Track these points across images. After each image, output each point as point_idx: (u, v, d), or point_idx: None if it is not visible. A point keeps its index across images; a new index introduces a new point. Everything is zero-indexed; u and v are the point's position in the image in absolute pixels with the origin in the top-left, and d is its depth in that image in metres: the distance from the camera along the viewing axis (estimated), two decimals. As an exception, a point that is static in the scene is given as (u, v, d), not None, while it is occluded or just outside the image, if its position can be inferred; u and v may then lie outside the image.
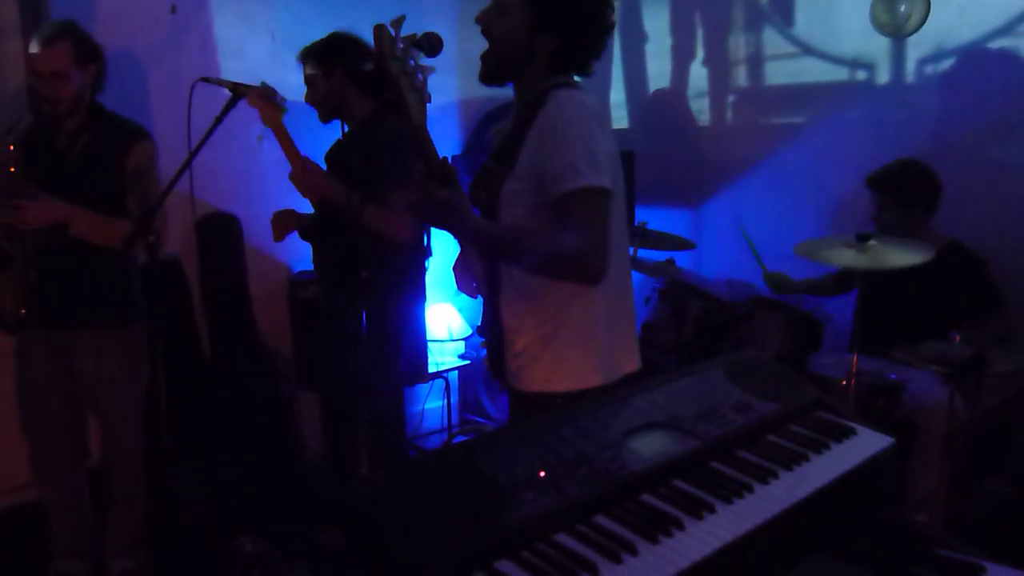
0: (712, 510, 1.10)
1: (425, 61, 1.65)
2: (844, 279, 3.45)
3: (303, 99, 2.94)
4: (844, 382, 2.69)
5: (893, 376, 2.82)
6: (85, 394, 2.83)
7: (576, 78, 1.87)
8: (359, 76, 2.86)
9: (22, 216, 2.55)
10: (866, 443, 1.37)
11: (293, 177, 2.75)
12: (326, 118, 2.93)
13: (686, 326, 3.19)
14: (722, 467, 1.21)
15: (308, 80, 2.90)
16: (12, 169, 2.59)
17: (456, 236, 1.85)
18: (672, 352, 3.22)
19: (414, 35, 1.64)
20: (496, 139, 1.96)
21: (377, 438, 2.42)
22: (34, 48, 2.61)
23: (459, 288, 2.06)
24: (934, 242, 2.90)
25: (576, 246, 1.63)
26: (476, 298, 2.02)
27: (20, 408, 2.84)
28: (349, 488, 0.99)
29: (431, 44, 1.71)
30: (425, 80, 1.63)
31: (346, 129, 2.91)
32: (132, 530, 2.97)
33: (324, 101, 2.89)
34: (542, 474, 1.06)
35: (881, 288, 3.06)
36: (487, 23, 1.84)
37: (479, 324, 1.98)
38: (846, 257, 2.75)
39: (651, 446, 1.19)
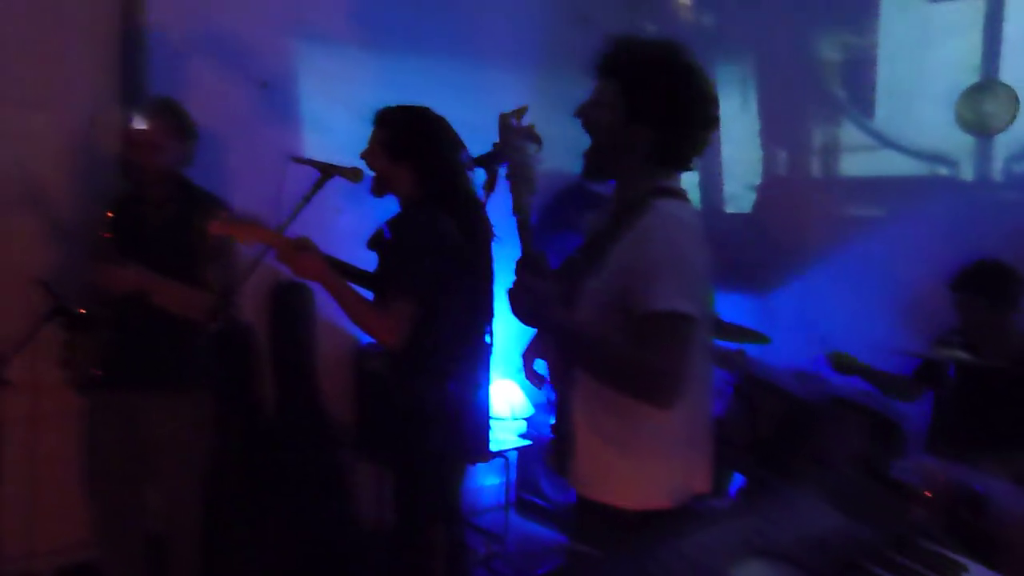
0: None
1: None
2: (919, 384, 3.32)
3: (359, 154, 2.74)
4: (927, 492, 2.58)
5: (979, 487, 2.69)
6: (150, 457, 2.85)
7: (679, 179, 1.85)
8: (422, 168, 2.68)
9: (113, 283, 2.63)
10: (978, 582, 1.30)
11: (280, 257, 2.48)
12: (378, 192, 2.74)
13: (762, 424, 3.10)
14: (830, 605, 1.16)
15: (371, 148, 2.70)
16: (106, 236, 2.68)
17: (539, 328, 1.83)
18: (746, 450, 3.13)
19: (532, 126, 1.67)
20: (589, 229, 1.96)
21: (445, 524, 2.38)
22: (137, 120, 2.73)
23: (526, 375, 2.03)
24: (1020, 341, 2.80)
25: (650, 369, 1.60)
26: (541, 389, 1.99)
27: (85, 467, 2.87)
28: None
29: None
30: (535, 171, 1.66)
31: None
32: (185, 597, 2.96)
33: (377, 176, 2.71)
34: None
35: (963, 390, 2.95)
36: (586, 117, 1.82)
37: (553, 421, 1.93)
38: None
39: (755, 578, 1.14)
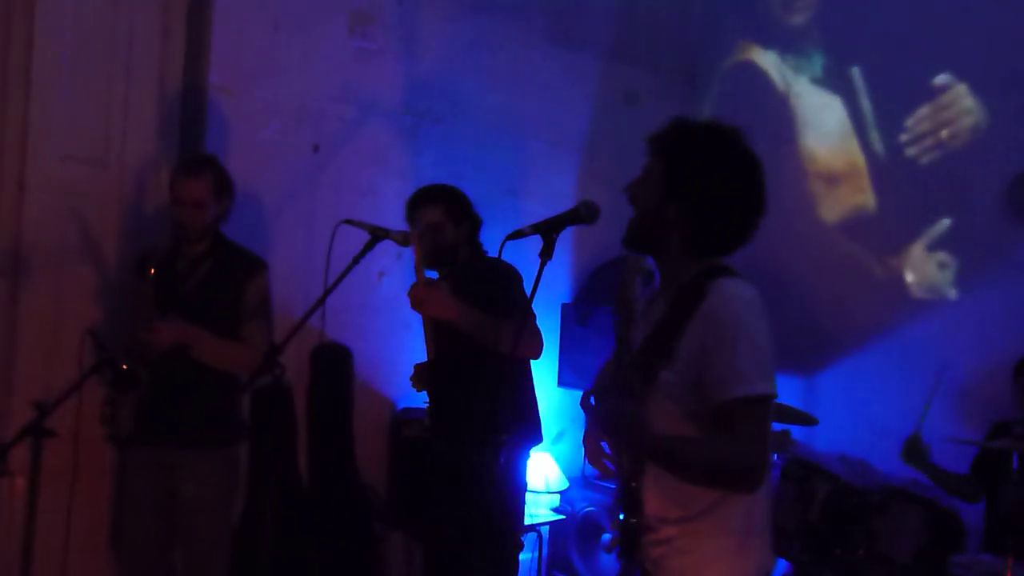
0: None
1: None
2: (980, 482, 3.18)
3: (422, 239, 2.79)
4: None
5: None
6: (180, 516, 2.82)
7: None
8: (474, 228, 2.95)
9: (156, 337, 2.63)
10: None
11: (414, 291, 2.64)
12: (436, 264, 2.88)
13: (812, 510, 2.99)
14: None
15: (434, 226, 2.83)
16: (148, 291, 2.68)
17: (627, 448, 1.80)
18: (796, 537, 3.01)
19: (644, 263, 1.80)
20: (646, 314, 1.92)
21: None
22: (179, 178, 2.77)
23: (589, 461, 1.97)
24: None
25: (738, 459, 1.61)
26: (609, 475, 1.94)
27: (113, 523, 2.83)
28: None
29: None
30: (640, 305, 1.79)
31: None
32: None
33: (448, 247, 2.84)
34: None
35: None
36: (631, 191, 1.82)
37: (618, 503, 1.86)
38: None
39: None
